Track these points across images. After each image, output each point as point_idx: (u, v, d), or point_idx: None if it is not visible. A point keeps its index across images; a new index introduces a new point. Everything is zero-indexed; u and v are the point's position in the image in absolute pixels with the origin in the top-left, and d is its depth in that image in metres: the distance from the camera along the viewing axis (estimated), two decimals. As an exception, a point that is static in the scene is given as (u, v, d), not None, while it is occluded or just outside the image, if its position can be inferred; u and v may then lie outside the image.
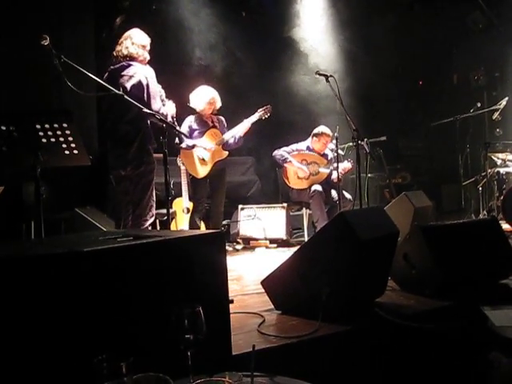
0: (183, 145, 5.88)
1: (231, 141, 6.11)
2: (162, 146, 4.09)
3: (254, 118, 6.14)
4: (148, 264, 2.05)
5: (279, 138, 7.64)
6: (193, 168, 5.89)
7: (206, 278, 2.22)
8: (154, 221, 5.26)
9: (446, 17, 9.60)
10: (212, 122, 6.09)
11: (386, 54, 9.35)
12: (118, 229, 4.58)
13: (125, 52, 4.68)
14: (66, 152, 3.44)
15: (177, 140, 5.81)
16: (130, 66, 4.62)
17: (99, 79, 4.07)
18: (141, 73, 4.57)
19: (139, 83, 4.52)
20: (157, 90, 4.59)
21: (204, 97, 5.96)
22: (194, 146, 5.90)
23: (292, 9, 8.73)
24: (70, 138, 3.39)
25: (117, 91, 4.12)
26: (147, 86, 4.52)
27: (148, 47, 4.78)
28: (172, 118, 4.88)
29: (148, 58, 4.77)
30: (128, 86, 4.52)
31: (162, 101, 4.76)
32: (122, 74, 4.60)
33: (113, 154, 4.64)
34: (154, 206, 4.70)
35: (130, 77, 4.56)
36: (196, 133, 5.98)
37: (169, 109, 4.77)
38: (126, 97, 4.08)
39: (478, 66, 10.32)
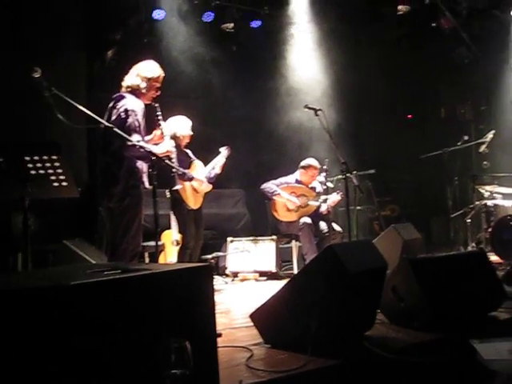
0: (184, 176, 5.80)
1: (213, 174, 6.15)
2: (151, 179, 4.08)
3: (224, 155, 6.18)
4: (135, 298, 2.03)
5: (268, 172, 7.67)
6: (186, 199, 5.86)
7: (194, 311, 2.21)
8: (143, 253, 5.24)
9: (433, 52, 9.76)
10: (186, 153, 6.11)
11: (375, 89, 9.49)
12: (112, 260, 4.53)
13: (127, 83, 4.69)
14: (55, 184, 3.44)
15: (180, 170, 5.64)
16: (122, 98, 4.62)
17: (89, 111, 4.07)
18: (126, 105, 4.52)
19: (118, 116, 4.48)
20: (134, 125, 4.47)
21: (188, 124, 5.97)
22: (192, 178, 5.88)
23: (283, 44, 8.83)
24: (59, 170, 3.40)
25: (106, 123, 4.13)
26: (125, 119, 4.44)
27: (155, 80, 4.72)
28: (169, 155, 4.87)
29: (153, 92, 4.73)
30: (112, 118, 4.52)
31: (162, 137, 4.77)
32: (113, 105, 4.60)
33: (99, 186, 4.62)
34: (140, 237, 4.63)
35: (117, 109, 4.55)
36: (182, 164, 5.92)
37: (165, 145, 4.76)
38: (115, 129, 4.08)
39: (464, 99, 10.48)
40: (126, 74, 4.82)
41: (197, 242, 5.99)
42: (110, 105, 4.60)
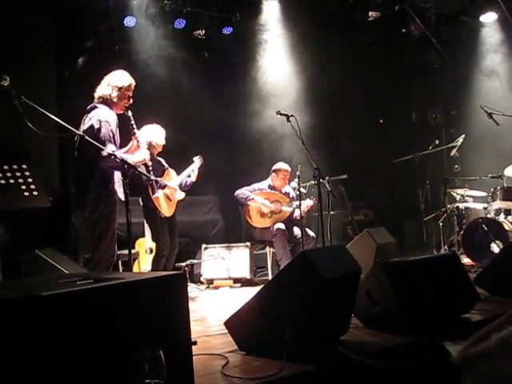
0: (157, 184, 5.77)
1: (188, 182, 6.14)
2: (124, 187, 4.06)
3: (197, 164, 6.19)
4: (108, 307, 2.02)
5: (242, 178, 7.68)
6: (160, 207, 5.82)
7: (168, 320, 2.19)
8: (117, 262, 5.19)
9: (403, 57, 9.89)
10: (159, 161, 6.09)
11: (347, 94, 9.56)
12: (87, 268, 4.50)
13: (99, 93, 4.69)
14: (26, 193, 3.40)
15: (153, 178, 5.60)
16: (95, 108, 4.60)
17: (59, 120, 4.03)
18: (99, 116, 4.51)
19: (91, 127, 4.46)
20: (108, 135, 4.46)
21: (163, 133, 5.96)
22: (165, 186, 5.86)
23: (254, 50, 8.85)
24: (30, 180, 3.36)
25: (77, 132, 4.10)
26: (98, 129, 4.43)
27: (126, 89, 4.73)
28: (146, 163, 4.85)
29: (126, 101, 4.73)
30: (83, 128, 4.50)
31: (138, 146, 4.75)
32: (86, 116, 4.59)
33: (73, 195, 4.58)
34: (114, 246, 4.60)
35: (90, 119, 4.52)
36: (155, 172, 5.88)
37: (142, 154, 4.74)
38: (87, 138, 4.06)
39: (435, 104, 10.62)
40: (98, 82, 4.81)
41: (172, 251, 5.96)
42: (84, 116, 4.59)
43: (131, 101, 4.80)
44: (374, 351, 3.09)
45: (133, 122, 4.81)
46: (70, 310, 1.90)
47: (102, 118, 4.50)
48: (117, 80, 4.71)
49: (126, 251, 4.25)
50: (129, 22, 7.70)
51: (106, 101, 4.66)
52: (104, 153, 4.23)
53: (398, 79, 10.15)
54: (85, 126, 4.51)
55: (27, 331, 1.79)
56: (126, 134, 4.83)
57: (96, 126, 4.44)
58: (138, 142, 4.83)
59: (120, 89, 4.69)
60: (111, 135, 4.48)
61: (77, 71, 7.72)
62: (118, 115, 4.69)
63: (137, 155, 4.72)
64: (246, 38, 8.80)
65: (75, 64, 7.70)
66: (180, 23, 8.11)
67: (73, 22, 7.38)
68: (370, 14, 8.58)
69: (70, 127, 4.03)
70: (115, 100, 4.68)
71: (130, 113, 4.79)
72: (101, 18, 7.58)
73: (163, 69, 7.81)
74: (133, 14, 7.66)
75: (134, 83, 4.82)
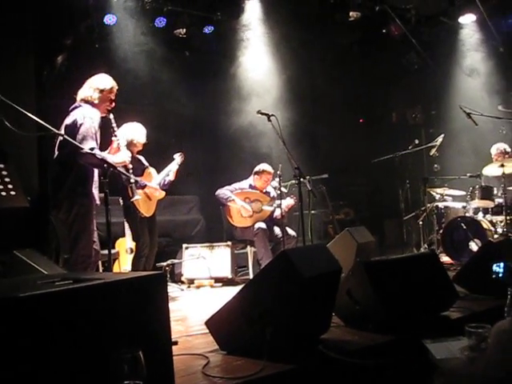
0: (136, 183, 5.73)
1: (167, 180, 6.13)
2: (103, 187, 4.03)
3: (177, 162, 6.17)
4: (87, 308, 2.00)
5: (223, 177, 7.67)
6: (139, 206, 5.79)
7: (148, 320, 2.18)
8: (97, 262, 5.15)
9: (384, 57, 9.95)
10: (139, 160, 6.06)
11: (328, 94, 9.59)
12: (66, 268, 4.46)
13: (81, 95, 4.68)
14: (3, 193, 3.37)
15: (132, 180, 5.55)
16: (79, 107, 4.59)
17: (38, 118, 3.99)
18: (81, 113, 4.50)
19: (74, 121, 4.44)
20: (91, 131, 4.45)
21: (144, 132, 5.93)
22: (145, 186, 5.83)
23: (235, 49, 8.85)
24: (7, 179, 3.33)
25: (56, 131, 4.07)
26: (80, 125, 4.41)
27: (108, 92, 4.72)
28: (125, 165, 4.82)
29: (107, 104, 4.71)
30: (65, 123, 4.48)
31: (118, 148, 4.74)
32: (69, 114, 4.56)
33: (50, 195, 4.55)
34: (91, 247, 4.56)
35: (73, 115, 4.51)
36: (135, 171, 5.84)
37: (122, 155, 4.73)
38: (65, 136, 4.03)
39: (415, 104, 10.70)
40: (77, 80, 4.79)
41: (151, 250, 5.93)
42: (66, 115, 4.56)
43: (113, 104, 4.79)
44: (355, 350, 3.11)
45: (114, 124, 4.82)
46: (49, 311, 1.88)
47: (87, 114, 4.51)
48: (98, 82, 4.72)
49: (106, 251, 4.22)
50: (109, 20, 7.64)
51: (88, 102, 4.65)
52: (83, 150, 4.21)
53: (378, 79, 10.21)
54: (68, 121, 4.49)
55: (4, 333, 1.77)
56: (106, 137, 4.81)
57: (79, 121, 4.44)
58: (118, 144, 4.81)
59: (102, 91, 4.69)
60: (93, 132, 4.48)
61: (56, 69, 7.64)
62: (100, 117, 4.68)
63: (117, 156, 4.71)
64: (227, 37, 8.79)
65: (54, 62, 7.62)
66: (161, 22, 8.08)
67: (52, 19, 7.30)
68: (350, 14, 8.63)
69: (48, 126, 3.99)
70: (96, 102, 4.67)
71: (111, 116, 4.79)
72: (81, 16, 7.52)
73: (144, 67, 7.77)
74: (113, 12, 7.60)
75: (117, 87, 4.81)
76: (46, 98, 7.17)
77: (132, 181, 5.09)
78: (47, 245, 6.08)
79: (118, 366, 1.62)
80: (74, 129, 4.38)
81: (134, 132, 5.86)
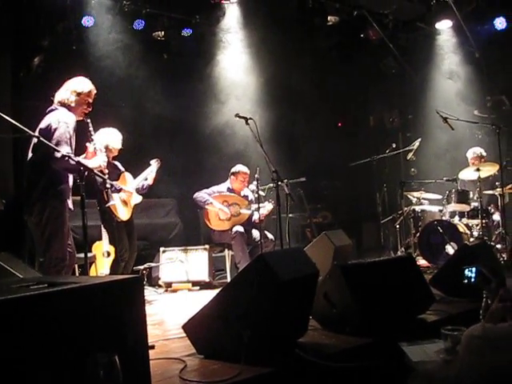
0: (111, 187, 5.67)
1: (145, 185, 6.10)
2: (80, 190, 3.99)
3: (154, 167, 6.14)
4: (62, 312, 1.98)
5: (200, 180, 7.65)
6: (116, 211, 5.73)
7: (124, 324, 2.16)
8: (73, 265, 5.10)
9: (361, 62, 10.02)
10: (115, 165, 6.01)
11: (305, 97, 9.62)
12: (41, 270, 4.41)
13: (58, 98, 4.63)
14: (-23, 196, 3.31)
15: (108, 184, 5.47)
16: (55, 110, 4.55)
17: (13, 120, 3.93)
18: (55, 118, 4.45)
19: (48, 125, 4.39)
20: (65, 136, 4.39)
21: (120, 137, 5.88)
22: (120, 190, 5.77)
23: (214, 52, 8.84)
24: (-18, 182, 3.27)
25: (31, 133, 4.03)
26: (55, 130, 4.36)
27: (86, 95, 4.67)
28: (101, 170, 4.78)
29: (81, 104, 4.66)
30: (40, 126, 4.43)
31: (95, 153, 4.70)
32: (44, 117, 4.52)
33: (24, 197, 4.50)
34: (65, 250, 4.50)
35: (48, 119, 4.46)
36: (110, 176, 5.76)
37: (98, 160, 4.69)
38: (41, 139, 3.99)
39: (392, 108, 10.79)
40: (54, 82, 4.75)
41: (131, 255, 5.87)
42: (42, 118, 4.51)
43: (90, 108, 4.74)
44: (332, 353, 3.12)
45: (91, 128, 4.78)
46: (23, 315, 1.86)
47: (61, 119, 4.45)
48: (76, 85, 4.66)
49: (83, 255, 4.18)
50: (87, 21, 7.58)
51: (65, 105, 4.60)
52: (58, 154, 4.17)
53: (356, 83, 10.27)
54: (42, 124, 4.44)
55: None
56: (83, 141, 4.76)
57: (54, 126, 4.38)
58: (94, 148, 4.78)
59: (79, 94, 4.64)
60: (68, 137, 4.42)
61: (33, 71, 7.56)
62: (76, 121, 4.63)
63: (93, 161, 4.67)
64: (206, 40, 8.78)
65: (31, 63, 7.54)
66: (139, 24, 8.04)
67: (29, 20, 7.24)
68: (328, 18, 8.68)
69: (24, 128, 3.94)
70: (73, 105, 4.62)
71: (88, 119, 4.74)
72: (58, 17, 7.45)
73: (121, 69, 7.73)
74: (91, 13, 7.55)
75: (95, 91, 4.77)
76: (23, 99, 7.09)
77: (108, 185, 5.06)
78: (23, 248, 6.01)
79: (94, 370, 1.60)
80: (48, 133, 4.32)
81: (109, 137, 5.80)
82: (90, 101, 4.74)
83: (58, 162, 4.24)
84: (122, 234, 5.75)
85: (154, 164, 6.18)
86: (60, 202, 4.44)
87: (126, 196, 5.85)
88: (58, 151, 4.18)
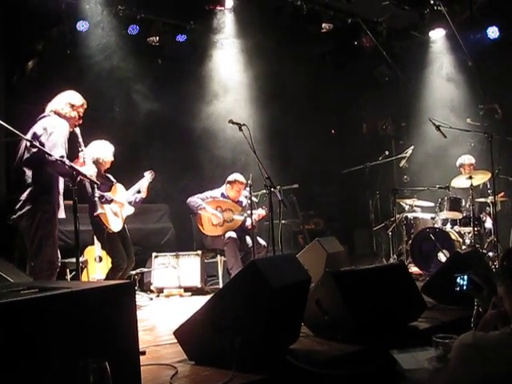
0: (102, 198, 5.63)
1: (138, 198, 6.10)
2: (72, 194, 3.98)
3: (148, 179, 6.14)
4: (53, 317, 1.97)
5: (193, 186, 7.64)
6: (107, 222, 5.68)
7: (115, 330, 2.16)
8: (65, 270, 5.08)
9: (355, 69, 10.06)
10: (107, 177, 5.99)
11: (299, 104, 9.64)
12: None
13: (51, 107, 4.65)
14: (-32, 200, 3.29)
15: (97, 194, 5.34)
16: (47, 117, 4.55)
17: (6, 124, 3.90)
18: (51, 122, 4.46)
19: (44, 129, 4.39)
20: (61, 140, 4.41)
21: (111, 150, 5.85)
22: (112, 201, 5.73)
23: (208, 57, 8.85)
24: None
25: (24, 137, 4.02)
26: (51, 133, 4.37)
27: (79, 107, 4.73)
28: (91, 181, 4.77)
29: (74, 116, 4.69)
30: (34, 130, 4.42)
31: (84, 163, 4.70)
32: (37, 123, 4.50)
33: (14, 202, 4.48)
34: (56, 254, 4.48)
35: (42, 124, 4.44)
36: (102, 187, 5.66)
37: (87, 169, 4.68)
38: (35, 143, 3.99)
39: (385, 115, 10.82)
40: (48, 85, 4.77)
41: (129, 264, 5.80)
42: (37, 122, 4.50)
43: (81, 121, 4.79)
44: (323, 360, 3.12)
45: (80, 139, 4.79)
46: (13, 320, 1.85)
47: (57, 123, 4.50)
48: (70, 98, 4.73)
49: (74, 259, 4.16)
50: (81, 26, 7.57)
51: (59, 114, 4.64)
52: (52, 158, 4.16)
53: (349, 90, 10.31)
54: (37, 129, 4.43)
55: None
56: (73, 151, 4.75)
57: (50, 130, 4.41)
58: (84, 159, 4.77)
59: (73, 106, 4.71)
60: (63, 140, 4.46)
61: (26, 75, 7.54)
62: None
63: (84, 169, 4.64)
64: (200, 46, 8.79)
65: (25, 67, 7.52)
66: (133, 29, 8.04)
67: (24, 24, 7.22)
68: (323, 25, 8.71)
69: (17, 132, 3.93)
70: (67, 116, 4.66)
71: (78, 130, 4.77)
72: (53, 22, 7.44)
73: (115, 74, 7.72)
74: (86, 18, 7.54)
75: (86, 105, 4.82)
76: (16, 103, 7.07)
77: (96, 195, 5.08)
78: (14, 252, 5.98)
79: (84, 376, 1.59)
80: (43, 136, 4.33)
81: (100, 150, 5.75)
82: (82, 113, 4.80)
83: (53, 165, 4.24)
84: (117, 244, 5.68)
85: (148, 175, 6.14)
86: (50, 207, 4.43)
87: (118, 207, 5.79)
88: (51, 155, 4.17)
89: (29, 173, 4.39)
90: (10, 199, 5.83)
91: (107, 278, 5.62)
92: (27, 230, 4.39)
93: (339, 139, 10.90)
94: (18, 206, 4.40)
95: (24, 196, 4.37)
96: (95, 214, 5.13)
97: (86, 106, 4.83)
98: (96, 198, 4.96)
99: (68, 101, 4.70)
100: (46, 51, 7.55)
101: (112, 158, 5.84)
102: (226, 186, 6.98)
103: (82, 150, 4.79)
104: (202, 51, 8.81)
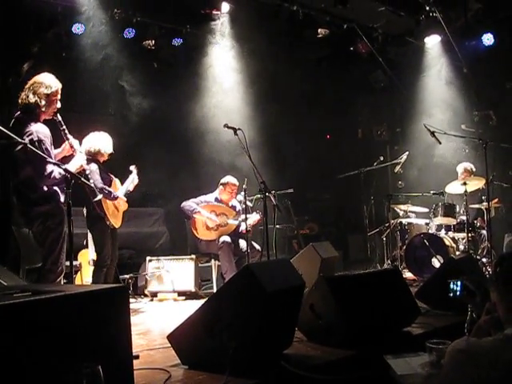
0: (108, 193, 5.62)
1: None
2: (66, 197, 3.97)
3: (135, 173, 6.10)
4: (46, 320, 1.96)
5: (188, 190, 7.63)
6: (110, 217, 5.63)
7: (108, 334, 2.15)
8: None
9: (351, 74, 10.08)
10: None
11: (294, 109, 9.66)
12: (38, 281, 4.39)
13: (24, 101, 4.43)
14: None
15: (99, 197, 5.23)
16: (29, 123, 4.36)
17: (1, 127, 3.87)
18: (36, 136, 4.30)
19: (37, 141, 4.29)
20: (46, 154, 4.25)
21: (111, 142, 5.80)
22: (117, 198, 5.70)
23: (204, 61, 8.86)
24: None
25: (20, 140, 3.99)
26: (42, 142, 4.30)
27: (54, 94, 4.48)
28: (83, 171, 4.74)
29: (54, 107, 4.50)
30: (26, 139, 4.33)
31: (72, 150, 4.65)
32: (24, 129, 4.34)
33: (17, 210, 4.45)
34: (64, 259, 4.47)
35: (29, 135, 4.29)
36: (103, 182, 5.65)
37: (78, 160, 4.63)
38: (30, 146, 3.96)
39: (380, 121, 10.85)
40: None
41: (112, 262, 5.79)
42: (23, 127, 4.34)
43: (59, 104, 4.56)
44: (317, 365, 3.11)
45: (64, 126, 4.59)
46: (6, 323, 1.84)
47: (41, 136, 4.32)
48: (43, 87, 4.45)
49: (68, 263, 4.15)
50: (77, 29, 7.57)
51: (34, 110, 4.42)
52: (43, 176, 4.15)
53: (344, 96, 10.33)
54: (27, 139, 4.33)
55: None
56: (58, 140, 4.63)
57: (43, 140, 4.31)
58: (71, 146, 4.66)
59: (47, 95, 4.44)
60: (47, 154, 4.28)
61: (22, 77, 7.52)
62: (47, 120, 4.51)
63: (73, 162, 4.58)
64: (196, 50, 8.79)
65: (20, 69, 7.51)
66: (129, 32, 8.04)
67: (19, 26, 7.21)
68: (319, 30, 8.75)
69: (13, 135, 3.89)
70: (44, 109, 4.45)
71: (59, 117, 4.56)
72: (48, 24, 7.43)
73: (111, 77, 7.72)
74: (81, 21, 7.53)
75: (61, 86, 4.56)
76: (11, 106, 7.04)
77: (106, 192, 5.06)
78: (8, 255, 5.96)
79: (77, 380, 1.59)
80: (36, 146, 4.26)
81: (101, 141, 5.72)
82: (59, 98, 4.55)
83: (44, 180, 4.23)
84: (108, 240, 5.66)
85: (134, 170, 6.12)
86: (60, 211, 4.39)
87: (122, 203, 5.79)
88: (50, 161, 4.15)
89: (27, 185, 4.34)
90: (3, 203, 5.82)
91: (94, 278, 5.55)
92: (38, 236, 4.37)
93: (334, 144, 10.91)
94: (25, 215, 4.38)
95: (29, 205, 4.34)
96: (94, 200, 5.09)
97: (61, 87, 4.54)
98: (93, 186, 4.90)
99: (42, 91, 4.41)
100: (41, 54, 7.53)
101: (112, 150, 5.78)
102: (218, 189, 6.98)
103: (68, 139, 4.64)
104: (198, 55, 8.81)
